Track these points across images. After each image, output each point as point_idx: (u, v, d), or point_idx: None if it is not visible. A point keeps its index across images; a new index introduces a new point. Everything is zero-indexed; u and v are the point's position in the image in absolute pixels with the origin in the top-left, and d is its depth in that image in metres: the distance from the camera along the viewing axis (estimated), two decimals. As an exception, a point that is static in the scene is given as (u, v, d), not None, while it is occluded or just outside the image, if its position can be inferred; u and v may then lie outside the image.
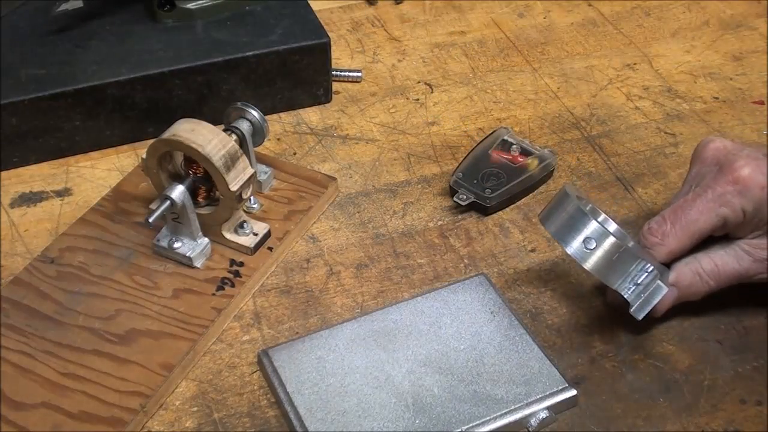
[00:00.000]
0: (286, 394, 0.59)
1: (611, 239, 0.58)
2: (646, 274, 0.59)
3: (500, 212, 0.74)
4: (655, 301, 0.59)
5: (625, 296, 0.59)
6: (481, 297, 0.65)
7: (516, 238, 0.72)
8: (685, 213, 0.60)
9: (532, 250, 0.71)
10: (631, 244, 0.62)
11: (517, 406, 0.58)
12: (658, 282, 0.59)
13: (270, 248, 0.69)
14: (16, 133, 0.75)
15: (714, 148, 0.62)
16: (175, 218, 0.66)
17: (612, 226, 0.63)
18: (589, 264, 0.59)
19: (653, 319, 0.64)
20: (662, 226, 0.61)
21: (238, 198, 0.66)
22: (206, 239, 0.68)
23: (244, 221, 0.69)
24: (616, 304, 0.64)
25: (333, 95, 0.85)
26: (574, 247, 0.59)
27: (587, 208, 0.60)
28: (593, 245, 0.58)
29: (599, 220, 0.60)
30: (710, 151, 0.62)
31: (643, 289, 0.59)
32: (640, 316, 0.59)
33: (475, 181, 0.74)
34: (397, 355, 0.61)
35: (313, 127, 0.82)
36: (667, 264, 0.61)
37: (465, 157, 0.76)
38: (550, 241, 0.71)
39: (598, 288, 0.67)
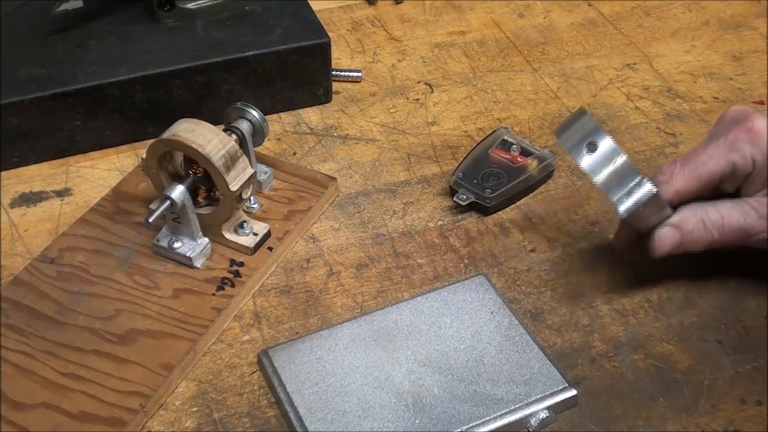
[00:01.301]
0: (286, 394, 0.59)
1: (617, 150, 0.60)
2: (641, 187, 0.60)
3: (500, 212, 0.74)
4: (638, 196, 0.60)
5: (620, 208, 0.61)
6: (481, 297, 0.65)
7: (516, 238, 0.72)
8: (697, 155, 0.62)
9: (532, 250, 0.71)
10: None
11: (517, 406, 0.58)
12: (647, 182, 0.60)
13: (270, 248, 0.69)
14: (16, 133, 0.75)
15: (734, 110, 0.65)
16: (175, 218, 0.66)
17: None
18: (597, 176, 0.61)
19: (652, 315, 0.64)
20: (672, 167, 0.63)
21: (238, 198, 0.66)
22: (206, 239, 0.68)
23: (244, 221, 0.69)
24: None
25: (333, 95, 0.85)
26: (588, 160, 0.61)
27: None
28: (598, 149, 0.61)
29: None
30: (731, 113, 0.65)
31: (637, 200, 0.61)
32: (622, 209, 0.60)
33: (475, 181, 0.73)
34: (397, 355, 0.61)
35: (313, 127, 0.82)
36: (674, 207, 0.63)
37: (465, 157, 0.76)
38: (550, 241, 0.71)
39: (599, 288, 0.67)
